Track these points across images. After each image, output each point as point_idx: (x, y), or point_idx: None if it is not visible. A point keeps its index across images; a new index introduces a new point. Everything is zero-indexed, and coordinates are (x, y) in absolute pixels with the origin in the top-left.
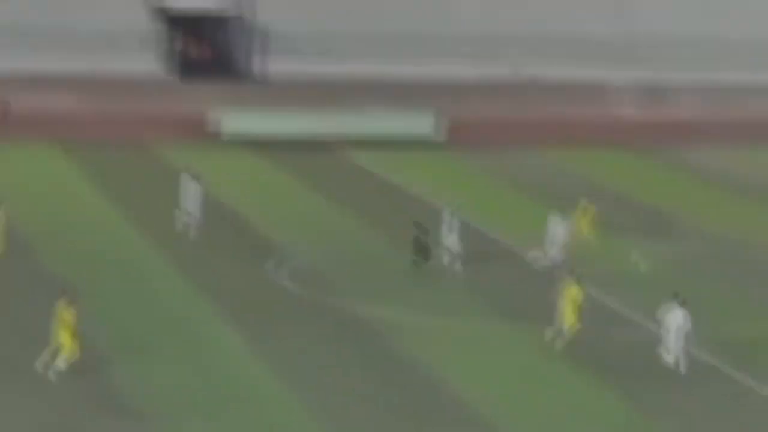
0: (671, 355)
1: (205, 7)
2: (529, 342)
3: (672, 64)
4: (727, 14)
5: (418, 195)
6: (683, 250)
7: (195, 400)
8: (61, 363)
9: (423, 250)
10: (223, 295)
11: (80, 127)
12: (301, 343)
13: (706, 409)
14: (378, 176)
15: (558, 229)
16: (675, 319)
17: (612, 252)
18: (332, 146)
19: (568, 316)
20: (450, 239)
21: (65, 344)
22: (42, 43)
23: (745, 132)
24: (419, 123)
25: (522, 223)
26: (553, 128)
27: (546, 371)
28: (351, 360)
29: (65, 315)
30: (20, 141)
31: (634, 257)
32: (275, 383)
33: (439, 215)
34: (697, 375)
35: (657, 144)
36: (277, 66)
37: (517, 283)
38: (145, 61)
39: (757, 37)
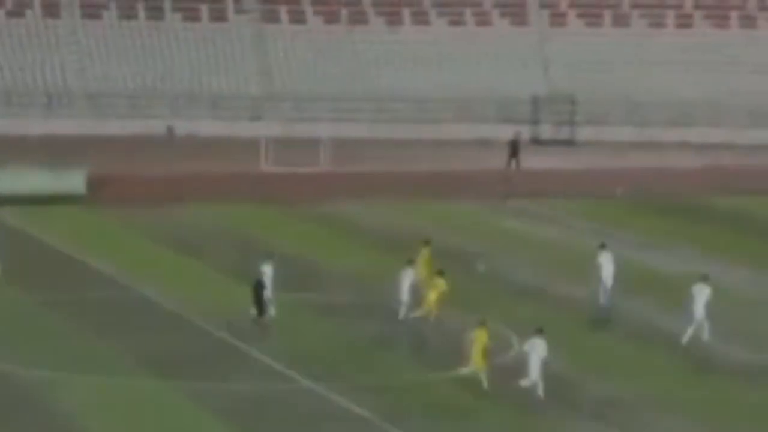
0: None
1: None
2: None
3: (310, 116)
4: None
5: (66, 251)
6: (328, 298)
7: None
8: None
9: (259, 304)
10: None
11: None
12: None
13: None
14: (25, 232)
15: None
16: (536, 349)
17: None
18: None
19: (477, 361)
20: None
21: None
22: None
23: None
24: (68, 179)
25: (167, 274)
26: (203, 183)
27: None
28: None
29: None
30: None
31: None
32: None
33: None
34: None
35: (297, 197)
36: None
37: (162, 336)
38: None
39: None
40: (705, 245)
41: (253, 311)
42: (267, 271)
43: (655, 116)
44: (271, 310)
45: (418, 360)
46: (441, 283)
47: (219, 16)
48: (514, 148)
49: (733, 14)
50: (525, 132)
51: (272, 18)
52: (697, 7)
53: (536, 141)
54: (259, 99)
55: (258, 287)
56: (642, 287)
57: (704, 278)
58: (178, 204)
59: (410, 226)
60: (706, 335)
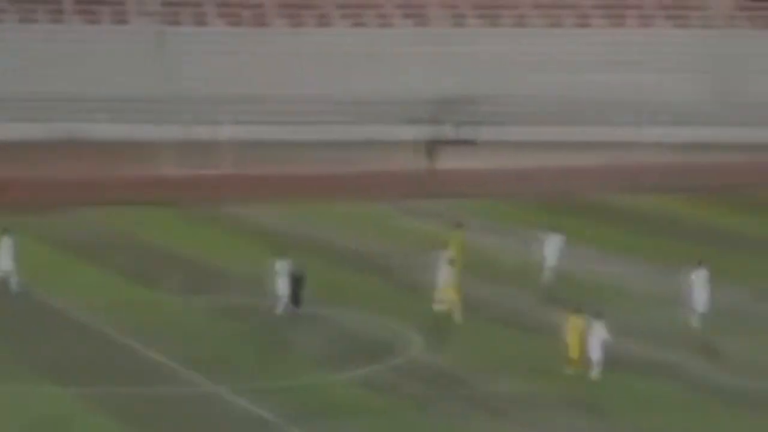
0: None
1: None
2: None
3: (211, 119)
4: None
5: None
6: (230, 301)
7: None
8: None
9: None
10: None
11: None
12: None
13: None
14: None
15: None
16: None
17: (156, 305)
18: None
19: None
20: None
21: None
22: None
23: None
24: None
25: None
26: (104, 186)
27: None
28: None
29: None
30: None
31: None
32: None
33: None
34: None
35: (198, 200)
36: None
37: (60, 342)
38: None
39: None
40: (602, 243)
41: (292, 306)
42: (282, 268)
43: (555, 115)
44: (280, 309)
45: (319, 360)
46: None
47: (120, 19)
48: (431, 149)
49: (630, 13)
50: (427, 133)
51: (174, 20)
52: (594, 6)
53: (439, 141)
54: (161, 102)
55: (293, 281)
56: (541, 285)
57: (700, 263)
58: (77, 208)
59: (311, 227)
60: (697, 322)
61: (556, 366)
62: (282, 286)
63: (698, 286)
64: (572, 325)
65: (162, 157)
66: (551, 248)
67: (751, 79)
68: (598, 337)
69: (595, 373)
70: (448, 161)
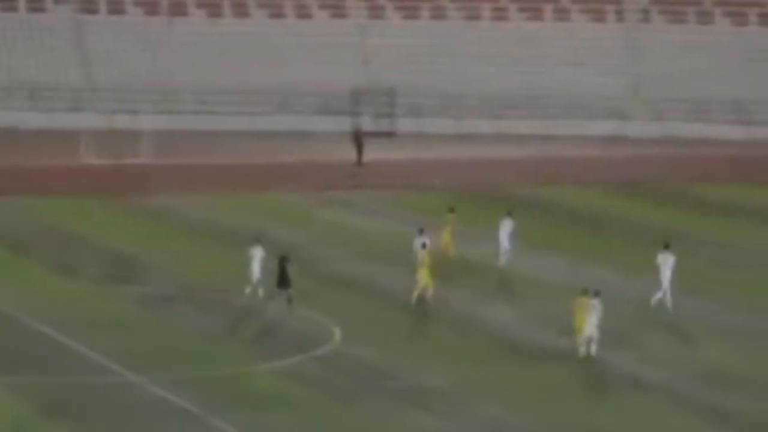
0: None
1: None
2: None
3: (131, 108)
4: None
5: None
6: (152, 292)
7: None
8: None
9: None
10: None
11: None
12: None
13: None
14: None
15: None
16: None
17: (77, 295)
18: None
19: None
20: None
21: None
22: None
23: (204, 177)
24: None
25: None
26: (23, 176)
27: None
28: None
29: None
30: None
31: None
32: None
33: None
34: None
35: (119, 190)
36: None
37: None
38: None
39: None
40: (522, 235)
41: (278, 289)
42: (256, 254)
43: (472, 108)
44: (260, 291)
45: (242, 351)
46: (428, 260)
47: (37, 7)
48: (359, 140)
49: (547, 7)
50: (345, 124)
51: (91, 9)
52: (512, 0)
53: (365, 133)
54: (79, 90)
55: (282, 264)
56: (461, 276)
57: (667, 246)
58: None
59: (232, 217)
60: (669, 303)
61: (480, 358)
62: (255, 271)
63: (664, 268)
64: (579, 305)
65: (82, 147)
66: (504, 233)
67: (666, 73)
68: (597, 315)
69: (593, 350)
70: (367, 153)
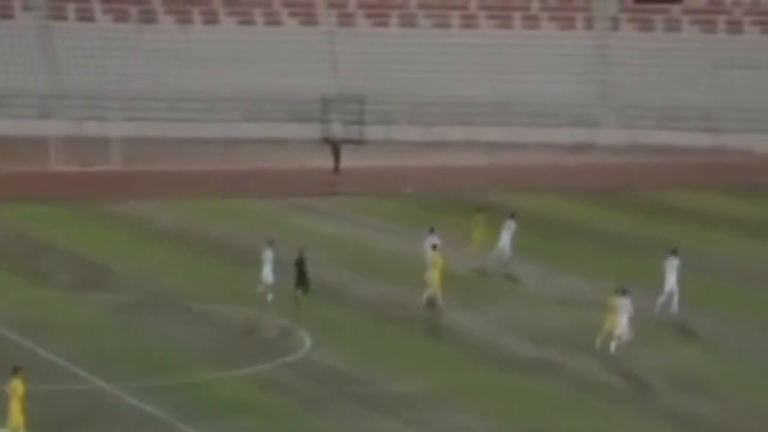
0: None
1: None
2: None
3: (100, 114)
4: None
5: None
6: (121, 299)
7: None
8: None
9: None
10: None
11: None
12: None
13: None
14: None
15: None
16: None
17: (45, 302)
18: None
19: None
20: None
21: None
22: None
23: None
24: None
25: None
26: None
27: None
28: None
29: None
30: None
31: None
32: None
33: None
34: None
35: (88, 197)
36: None
37: None
38: None
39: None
40: (488, 243)
41: (300, 291)
42: (269, 256)
43: (442, 115)
44: (270, 296)
45: (210, 358)
46: (439, 260)
47: (5, 13)
48: (336, 149)
49: (517, 15)
50: (316, 131)
51: (60, 15)
52: (481, 8)
53: (326, 140)
54: (48, 97)
55: (300, 265)
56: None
57: (674, 252)
58: None
59: (202, 224)
60: (674, 307)
61: (451, 365)
62: (267, 274)
63: (670, 273)
64: (612, 305)
65: (50, 153)
66: (506, 235)
67: (634, 81)
68: (626, 313)
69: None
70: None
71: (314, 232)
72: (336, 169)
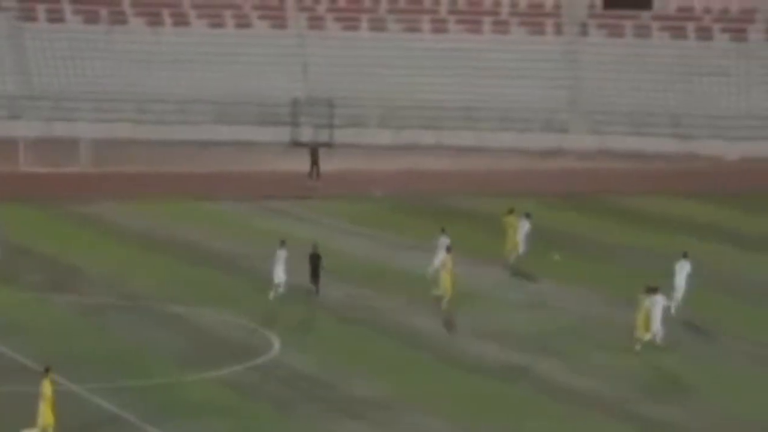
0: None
1: None
2: None
3: (70, 116)
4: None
5: None
6: (90, 300)
7: None
8: None
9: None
10: None
11: None
12: None
13: None
14: None
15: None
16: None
17: (14, 303)
18: None
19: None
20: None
21: None
22: None
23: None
24: None
25: None
26: None
27: None
28: None
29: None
30: None
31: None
32: None
33: None
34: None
35: (58, 198)
36: None
37: None
38: None
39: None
40: (458, 246)
41: (312, 286)
42: (282, 255)
43: (411, 119)
44: (280, 290)
45: (179, 360)
46: (449, 262)
47: None
48: (314, 154)
49: (486, 20)
50: (285, 135)
51: (30, 16)
52: (451, 12)
53: (296, 143)
54: (18, 98)
55: (313, 261)
56: (398, 286)
57: (685, 255)
58: None
59: (171, 226)
60: (673, 310)
61: (416, 369)
62: (279, 273)
63: (680, 276)
64: (643, 304)
65: (20, 154)
66: (521, 232)
67: (604, 86)
68: (660, 308)
69: (658, 339)
70: (305, 163)
71: (284, 235)
72: (314, 174)
